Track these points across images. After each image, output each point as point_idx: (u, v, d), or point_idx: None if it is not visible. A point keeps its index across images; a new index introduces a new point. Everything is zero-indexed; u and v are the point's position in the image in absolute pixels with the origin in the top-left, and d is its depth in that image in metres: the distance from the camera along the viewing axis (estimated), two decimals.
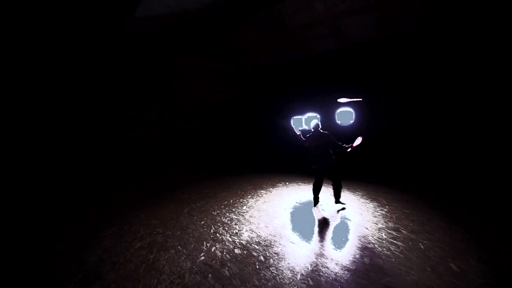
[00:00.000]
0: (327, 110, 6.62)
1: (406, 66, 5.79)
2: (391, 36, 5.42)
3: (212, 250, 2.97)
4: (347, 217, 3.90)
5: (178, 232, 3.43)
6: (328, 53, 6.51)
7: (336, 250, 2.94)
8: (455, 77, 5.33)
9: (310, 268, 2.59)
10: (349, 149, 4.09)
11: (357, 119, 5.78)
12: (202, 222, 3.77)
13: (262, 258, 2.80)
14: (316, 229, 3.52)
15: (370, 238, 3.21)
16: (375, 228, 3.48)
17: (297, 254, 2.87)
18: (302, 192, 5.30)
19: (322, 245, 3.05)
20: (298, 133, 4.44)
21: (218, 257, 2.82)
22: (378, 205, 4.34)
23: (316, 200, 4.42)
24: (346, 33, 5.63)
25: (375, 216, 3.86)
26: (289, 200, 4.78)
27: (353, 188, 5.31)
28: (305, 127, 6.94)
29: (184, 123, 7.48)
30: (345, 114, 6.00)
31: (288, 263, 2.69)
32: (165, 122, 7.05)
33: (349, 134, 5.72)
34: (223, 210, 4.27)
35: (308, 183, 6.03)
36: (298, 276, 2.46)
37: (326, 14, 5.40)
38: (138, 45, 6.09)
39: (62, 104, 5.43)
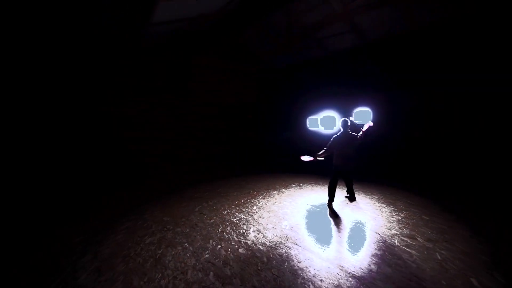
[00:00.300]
0: (344, 109, 6.39)
1: (425, 63, 5.39)
2: (409, 31, 5.07)
3: (217, 249, 3.02)
4: (358, 221, 3.74)
5: (187, 230, 3.54)
6: (344, 51, 6.28)
7: (343, 255, 2.83)
8: (478, 75, 4.84)
9: (312, 272, 2.53)
10: (363, 136, 4.21)
11: (375, 118, 5.48)
12: (211, 221, 3.85)
13: (265, 259, 2.80)
14: (324, 232, 3.42)
15: (381, 244, 3.04)
16: (388, 234, 3.29)
17: (301, 257, 2.82)
18: (315, 194, 5.18)
19: (328, 249, 2.96)
20: (317, 157, 4.45)
21: (222, 256, 2.87)
22: (394, 210, 4.10)
23: (333, 198, 4.38)
24: (363, 30, 5.39)
25: (389, 222, 3.65)
26: (301, 202, 4.69)
27: (369, 191, 5.07)
28: (321, 127, 6.75)
29: (198, 123, 7.68)
30: (363, 113, 5.72)
31: (290, 266, 2.65)
32: (179, 123, 7.27)
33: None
34: (233, 210, 4.32)
35: (323, 184, 5.88)
36: (299, 280, 2.42)
37: (341, 11, 5.21)
38: (152, 47, 6.33)
39: (71, 104, 5.67)
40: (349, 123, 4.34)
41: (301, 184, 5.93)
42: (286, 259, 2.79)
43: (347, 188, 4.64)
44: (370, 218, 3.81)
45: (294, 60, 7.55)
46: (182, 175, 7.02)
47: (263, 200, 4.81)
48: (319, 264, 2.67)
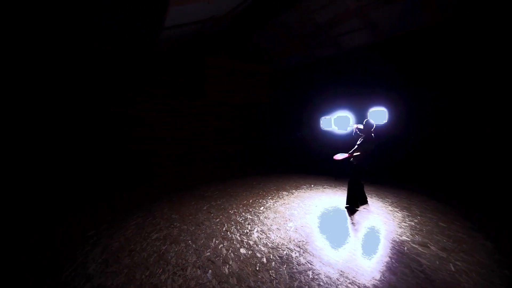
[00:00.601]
0: (358, 109, 6.15)
1: (447, 60, 5.00)
2: (427, 26, 4.73)
3: (219, 247, 3.06)
4: (367, 225, 3.58)
5: (193, 228, 3.63)
6: (358, 48, 6.03)
7: (345, 260, 2.72)
8: (499, 73, 4.38)
9: (311, 276, 2.47)
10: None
11: (391, 118, 5.21)
12: (217, 220, 3.91)
13: (264, 260, 2.78)
14: (329, 235, 3.32)
15: (388, 251, 2.88)
16: (397, 240, 3.10)
17: (301, 260, 2.76)
18: (325, 195, 5.05)
19: (330, 253, 2.87)
20: (353, 153, 4.40)
21: (223, 255, 2.90)
22: (408, 215, 3.86)
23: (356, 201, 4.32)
24: (378, 26, 5.14)
25: (400, 227, 3.45)
26: (309, 203, 4.60)
27: (383, 195, 4.83)
28: (334, 127, 6.55)
29: (210, 123, 7.81)
30: (378, 113, 5.45)
31: (289, 268, 2.61)
32: (191, 123, 7.44)
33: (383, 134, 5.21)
34: (240, 210, 4.35)
35: (335, 186, 5.72)
36: (296, 283, 2.37)
37: (355, 7, 5.02)
38: (165, 49, 6.50)
39: (84, 105, 5.91)
40: (374, 125, 4.24)
41: (312, 185, 5.81)
42: (286, 261, 2.75)
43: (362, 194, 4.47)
44: (380, 223, 3.63)
45: (307, 59, 7.40)
46: (194, 175, 7.21)
47: (271, 201, 4.78)
48: (319, 268, 2.60)
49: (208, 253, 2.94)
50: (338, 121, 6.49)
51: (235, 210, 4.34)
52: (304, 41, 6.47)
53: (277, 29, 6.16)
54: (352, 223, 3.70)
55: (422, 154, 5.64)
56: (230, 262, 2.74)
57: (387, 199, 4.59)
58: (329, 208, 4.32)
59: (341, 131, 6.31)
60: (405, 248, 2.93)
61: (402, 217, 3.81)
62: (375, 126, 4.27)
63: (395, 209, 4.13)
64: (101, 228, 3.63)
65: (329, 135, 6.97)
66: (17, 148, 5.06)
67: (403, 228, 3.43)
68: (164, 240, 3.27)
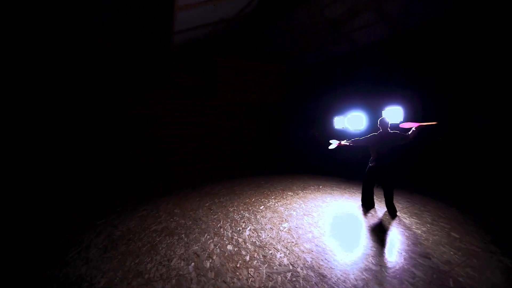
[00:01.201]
0: (372, 108, 5.76)
1: (470, 55, 4.40)
2: (450, 16, 4.21)
3: (208, 243, 3.15)
4: (365, 231, 3.35)
5: (190, 222, 3.78)
6: (373, 44, 5.64)
7: (329, 265, 2.60)
8: None
9: (288, 278, 2.42)
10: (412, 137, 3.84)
11: (406, 118, 4.78)
12: (215, 216, 4.01)
13: (247, 258, 2.79)
14: (320, 238, 3.19)
15: (379, 258, 2.67)
16: (395, 248, 2.86)
17: (284, 260, 2.71)
18: (330, 197, 4.84)
19: (316, 256, 2.76)
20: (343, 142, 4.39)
21: (209, 250, 2.98)
22: (416, 222, 3.52)
23: (366, 204, 4.23)
24: (393, 19, 4.76)
25: (403, 235, 3.16)
26: (311, 205, 4.45)
27: (394, 200, 4.44)
28: (347, 126, 6.25)
29: (224, 123, 7.99)
30: (394, 112, 5.05)
31: (269, 268, 2.58)
32: (204, 123, 7.69)
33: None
34: (240, 208, 4.39)
35: (344, 188, 5.44)
36: (270, 284, 2.34)
37: None
38: (177, 51, 6.81)
39: (100, 106, 6.37)
40: (388, 123, 4.01)
41: (320, 187, 5.61)
42: (269, 260, 2.72)
43: (384, 199, 4.07)
44: (380, 229, 3.37)
45: (320, 57, 7.14)
46: (204, 173, 7.45)
47: (273, 200, 4.74)
48: (300, 270, 2.52)
49: (196, 247, 3.04)
50: (352, 120, 6.18)
51: (235, 208, 4.40)
52: (316, 38, 6.27)
53: (287, 27, 6.07)
54: (350, 227, 3.50)
55: (444, 157, 5.07)
56: (214, 257, 2.81)
57: (397, 204, 4.22)
58: (331, 210, 4.14)
59: (355, 130, 6.01)
60: (402, 258, 2.69)
61: (409, 224, 3.48)
62: (390, 124, 4.00)
63: (404, 215, 3.80)
64: (110, 218, 3.99)
65: (342, 135, 6.67)
66: (39, 145, 5.75)
67: (406, 236, 3.14)
68: (160, 232, 3.47)
